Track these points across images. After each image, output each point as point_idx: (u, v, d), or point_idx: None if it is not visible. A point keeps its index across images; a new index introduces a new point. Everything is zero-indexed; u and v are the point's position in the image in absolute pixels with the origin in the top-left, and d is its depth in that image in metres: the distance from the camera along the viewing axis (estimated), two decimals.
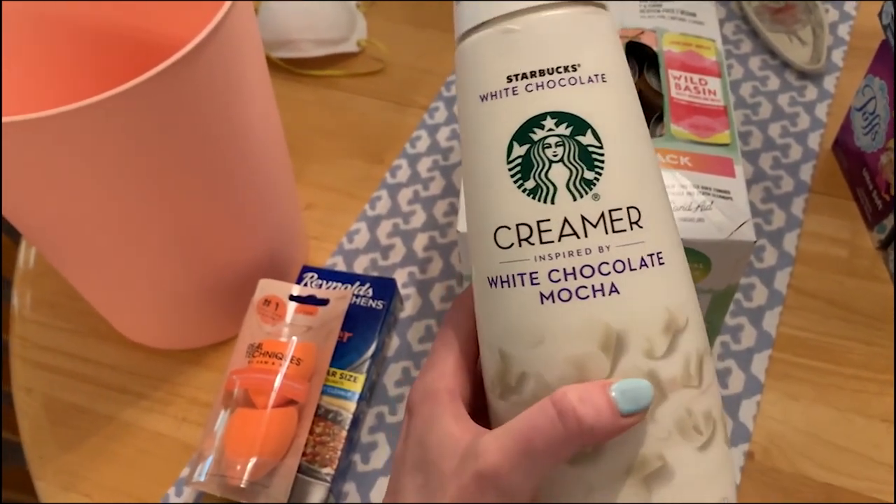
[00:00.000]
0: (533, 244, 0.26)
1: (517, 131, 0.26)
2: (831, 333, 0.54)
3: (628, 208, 0.26)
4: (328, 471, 0.46)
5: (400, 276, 0.59)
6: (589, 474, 0.26)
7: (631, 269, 0.26)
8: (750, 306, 0.55)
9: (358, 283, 0.54)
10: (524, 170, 0.26)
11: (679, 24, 0.50)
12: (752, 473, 0.48)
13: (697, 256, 0.42)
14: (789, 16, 0.72)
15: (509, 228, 0.26)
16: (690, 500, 0.26)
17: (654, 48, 0.49)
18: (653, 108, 0.49)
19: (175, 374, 0.55)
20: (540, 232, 0.26)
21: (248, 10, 0.45)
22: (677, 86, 0.47)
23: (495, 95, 0.26)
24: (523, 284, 0.26)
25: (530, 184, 0.26)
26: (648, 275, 0.26)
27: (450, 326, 0.30)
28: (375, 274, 0.59)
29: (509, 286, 0.26)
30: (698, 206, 0.42)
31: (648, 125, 0.49)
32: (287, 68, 0.74)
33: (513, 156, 0.26)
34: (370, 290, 0.54)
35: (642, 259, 0.26)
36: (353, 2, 0.77)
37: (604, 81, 0.26)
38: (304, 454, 0.47)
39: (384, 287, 0.54)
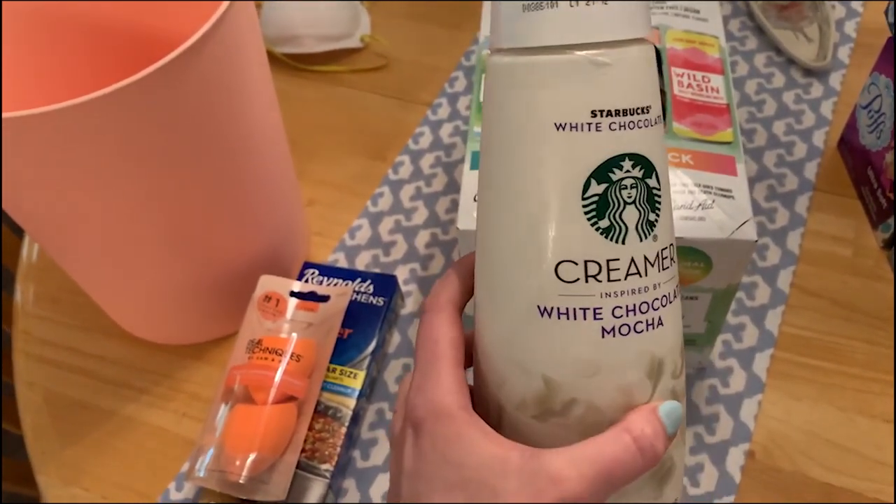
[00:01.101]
0: (600, 281, 0.26)
1: (597, 168, 0.26)
2: (834, 333, 0.53)
3: (670, 246, 0.28)
4: (327, 467, 0.46)
5: (401, 273, 0.59)
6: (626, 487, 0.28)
7: (670, 302, 0.28)
8: (752, 305, 0.55)
9: (359, 280, 0.54)
10: (600, 208, 0.26)
11: (683, 20, 0.50)
12: (753, 473, 0.48)
13: (698, 255, 0.42)
14: (795, 12, 0.72)
15: (576, 264, 0.26)
16: (678, 491, 0.30)
17: (658, 45, 0.49)
18: None
19: (176, 369, 0.56)
20: (609, 270, 0.26)
21: (249, 6, 0.45)
22: (680, 83, 0.47)
23: (576, 127, 0.26)
24: (585, 318, 0.27)
25: (604, 223, 0.26)
26: (677, 304, 0.28)
27: (432, 333, 0.30)
28: (377, 270, 0.59)
29: (568, 318, 0.27)
30: (700, 204, 0.41)
31: None
32: (290, 64, 0.73)
33: (589, 192, 0.26)
34: (371, 287, 0.54)
35: (674, 291, 0.28)
36: None
37: (658, 123, 0.27)
38: (303, 450, 0.47)
39: (385, 284, 0.54)
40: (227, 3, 0.40)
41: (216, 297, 0.53)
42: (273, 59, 0.74)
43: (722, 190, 0.42)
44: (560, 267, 0.26)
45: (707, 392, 0.51)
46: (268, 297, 0.51)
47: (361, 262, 0.59)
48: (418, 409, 0.28)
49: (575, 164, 0.26)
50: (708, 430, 0.50)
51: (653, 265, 0.27)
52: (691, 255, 0.42)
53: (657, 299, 0.27)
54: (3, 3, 0.49)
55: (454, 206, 0.62)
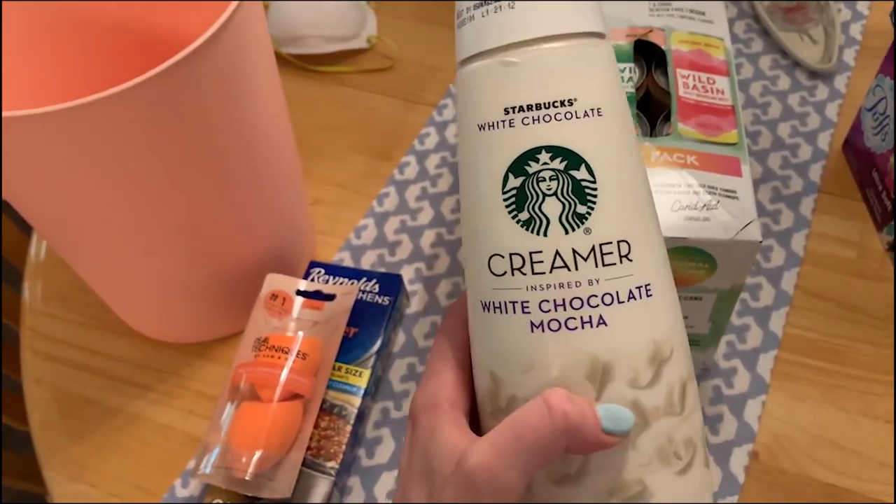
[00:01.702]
0: (525, 274, 0.26)
1: (512, 163, 0.27)
2: (838, 334, 0.54)
3: (619, 242, 0.26)
4: (332, 465, 0.47)
5: (406, 273, 0.59)
6: (572, 495, 0.27)
7: (619, 302, 0.26)
8: (756, 306, 0.55)
9: (364, 279, 0.54)
10: (518, 201, 0.27)
11: (688, 22, 0.50)
12: (757, 473, 0.48)
13: (703, 256, 0.42)
14: (801, 15, 0.72)
15: (503, 257, 0.27)
16: None
17: (663, 47, 0.49)
18: (660, 107, 0.49)
19: (182, 366, 0.56)
20: (532, 263, 0.26)
21: (257, 6, 0.45)
22: (685, 84, 0.47)
23: (492, 126, 0.27)
24: (514, 312, 0.27)
25: (524, 215, 0.27)
26: (636, 307, 0.27)
27: (446, 336, 0.30)
28: (382, 270, 0.59)
29: (501, 312, 0.27)
30: (704, 205, 0.42)
31: (656, 124, 0.49)
32: (297, 64, 0.74)
33: (508, 187, 0.27)
34: (377, 286, 0.54)
35: (630, 292, 0.26)
36: None
37: (599, 115, 0.27)
38: (308, 448, 0.47)
39: (390, 283, 0.54)
40: (236, 2, 0.41)
41: (222, 295, 0.53)
42: (279, 59, 0.74)
43: (726, 191, 0.42)
44: (491, 261, 0.27)
45: (711, 392, 0.51)
46: (274, 296, 0.52)
47: (367, 262, 0.60)
48: (415, 402, 0.29)
49: (494, 160, 0.27)
50: (711, 431, 0.50)
51: (585, 259, 0.26)
52: (696, 255, 0.42)
53: (594, 296, 0.26)
54: (16, 2, 0.49)
55: (459, 206, 0.62)
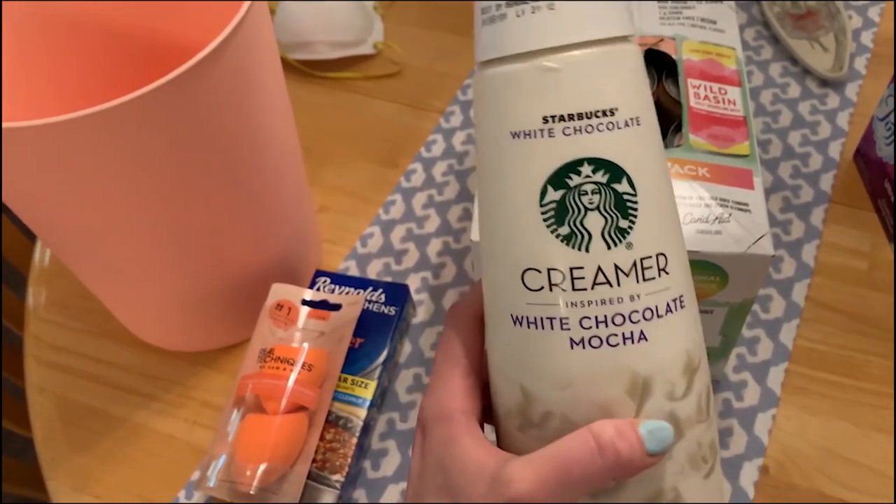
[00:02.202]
0: (565, 290, 0.26)
1: (552, 175, 0.25)
2: (849, 347, 0.53)
3: (657, 255, 0.26)
4: (338, 478, 0.46)
5: (413, 282, 0.58)
6: None
7: (658, 317, 0.26)
8: (767, 318, 0.54)
9: (371, 289, 0.54)
10: (558, 215, 0.26)
11: (699, 31, 0.50)
12: (766, 488, 0.47)
13: (714, 269, 0.41)
14: (811, 22, 0.71)
15: (539, 272, 0.26)
16: None
17: (674, 56, 0.48)
18: (671, 118, 0.48)
19: (187, 376, 0.55)
20: (573, 279, 0.26)
21: (264, 12, 0.44)
22: (696, 95, 0.46)
23: (529, 135, 0.26)
24: (552, 328, 0.26)
25: (564, 230, 0.26)
26: (672, 320, 0.26)
27: (452, 340, 0.30)
28: (389, 279, 0.59)
29: (537, 328, 0.26)
30: (716, 218, 0.41)
31: (666, 135, 0.48)
32: (303, 70, 0.73)
33: (546, 199, 0.26)
34: (383, 296, 0.53)
35: (668, 305, 0.26)
36: (370, 3, 0.77)
37: (638, 125, 0.26)
38: (314, 460, 0.46)
39: (397, 293, 0.54)
40: (245, 6, 0.40)
41: (228, 304, 0.53)
42: (286, 65, 0.74)
43: (738, 203, 0.42)
44: (525, 275, 0.26)
45: (721, 406, 0.51)
46: (280, 306, 0.51)
47: (373, 271, 0.59)
48: (425, 410, 0.29)
49: (531, 171, 0.26)
50: (721, 444, 0.49)
51: (627, 275, 0.25)
52: (707, 269, 0.41)
53: (636, 311, 0.26)
54: (18, 4, 0.49)
55: (466, 214, 0.62)
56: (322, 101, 0.71)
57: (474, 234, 0.41)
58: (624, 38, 0.26)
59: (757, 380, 0.52)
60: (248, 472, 0.44)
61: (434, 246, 0.60)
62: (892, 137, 0.56)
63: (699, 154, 0.44)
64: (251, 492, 0.44)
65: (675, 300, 0.26)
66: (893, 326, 0.53)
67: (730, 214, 0.41)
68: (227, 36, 0.39)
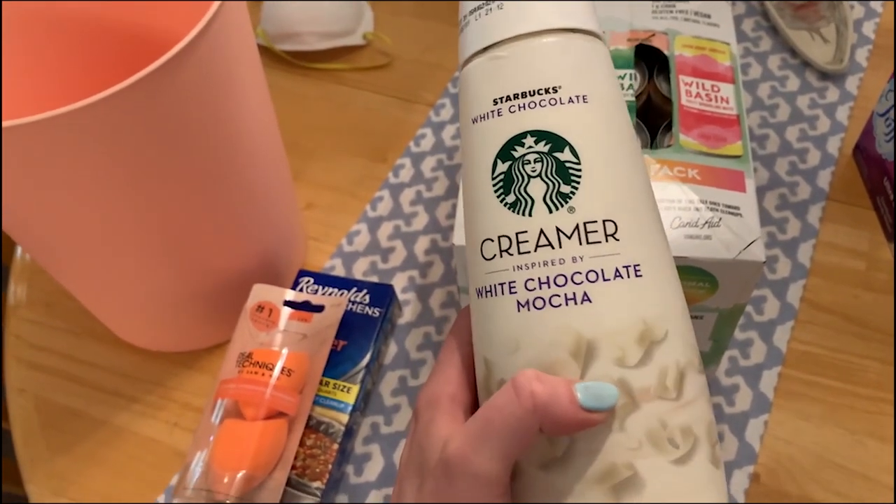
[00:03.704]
0: (512, 255, 0.27)
1: (500, 149, 0.28)
2: (845, 350, 0.52)
3: (604, 221, 0.27)
4: (318, 485, 0.45)
5: (399, 281, 0.57)
6: (560, 480, 0.26)
7: (604, 280, 0.26)
8: (760, 320, 0.53)
9: (355, 290, 0.53)
10: (506, 185, 0.27)
11: (693, 26, 0.48)
12: (758, 496, 0.46)
13: (703, 275, 0.40)
14: (812, 12, 0.69)
15: (493, 240, 0.27)
16: None
17: (665, 52, 0.47)
18: (662, 116, 0.47)
19: (169, 377, 0.54)
20: (518, 243, 0.27)
21: (241, 7, 0.43)
22: (688, 92, 0.45)
23: (483, 117, 0.28)
24: (503, 293, 0.27)
25: (511, 198, 0.27)
26: (622, 286, 0.26)
27: (455, 333, 0.30)
28: (375, 278, 0.57)
29: (492, 295, 0.27)
30: (706, 222, 0.40)
31: (657, 134, 0.47)
32: (291, 61, 0.72)
33: (496, 172, 0.28)
34: (367, 297, 0.52)
35: (616, 270, 0.26)
36: None
37: (585, 102, 0.27)
38: (293, 467, 0.45)
39: (381, 294, 0.52)
40: (214, 7, 0.39)
41: (209, 304, 0.52)
42: (273, 56, 0.72)
43: (729, 207, 0.40)
44: (483, 245, 0.28)
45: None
46: (260, 307, 0.50)
47: (359, 269, 0.58)
48: (420, 398, 0.29)
49: (485, 149, 0.28)
50: None
51: (569, 237, 0.26)
52: (696, 274, 0.40)
53: (578, 273, 0.26)
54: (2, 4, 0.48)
55: (455, 211, 0.61)
56: (310, 94, 0.70)
57: (457, 238, 0.40)
58: (579, 31, 0.28)
59: (749, 384, 0.50)
60: (226, 480, 0.43)
61: (422, 244, 0.59)
62: (892, 134, 0.54)
63: (689, 155, 0.42)
64: (228, 501, 0.43)
65: (626, 267, 0.26)
66: (894, 329, 0.52)
67: (720, 219, 0.40)
68: (198, 33, 0.38)
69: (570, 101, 0.27)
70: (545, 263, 0.26)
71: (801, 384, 0.50)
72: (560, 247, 0.26)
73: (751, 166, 0.42)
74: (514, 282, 0.27)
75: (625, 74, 0.46)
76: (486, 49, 0.28)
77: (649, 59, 0.49)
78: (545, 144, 0.27)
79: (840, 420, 0.49)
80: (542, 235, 0.26)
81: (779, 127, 0.63)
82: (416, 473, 0.27)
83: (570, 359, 0.26)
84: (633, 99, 0.45)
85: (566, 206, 0.26)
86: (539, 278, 0.26)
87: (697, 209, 0.40)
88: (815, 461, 0.47)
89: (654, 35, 0.47)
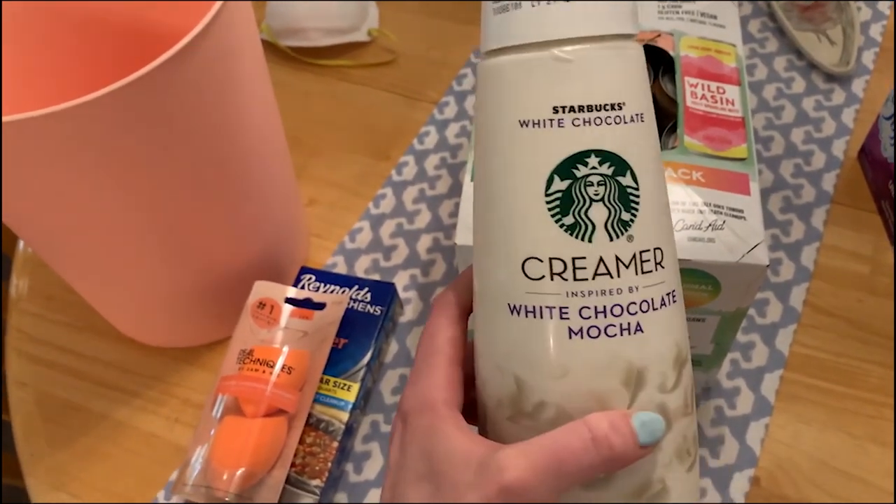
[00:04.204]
0: (566, 280, 0.26)
1: (560, 165, 0.26)
2: (848, 355, 0.51)
3: (654, 249, 0.26)
4: (317, 483, 0.45)
5: (401, 279, 0.57)
6: (599, 497, 0.27)
7: (654, 309, 0.26)
8: (763, 323, 0.53)
9: (356, 287, 0.52)
10: (563, 205, 0.26)
11: (699, 27, 0.48)
12: (757, 500, 0.46)
13: (706, 278, 0.40)
14: (819, 13, 0.69)
15: (541, 261, 0.26)
16: None
17: (671, 52, 0.46)
18: (667, 117, 0.46)
19: (170, 372, 0.54)
20: (574, 269, 0.26)
21: (244, 4, 0.43)
22: (693, 94, 0.44)
23: (538, 124, 0.26)
24: (552, 318, 0.26)
25: (569, 220, 0.26)
26: (666, 313, 0.27)
27: (436, 330, 0.30)
28: (376, 276, 0.57)
29: (535, 317, 0.26)
30: (709, 225, 0.40)
31: (661, 135, 0.46)
32: (296, 57, 0.72)
33: (552, 189, 0.26)
34: (368, 295, 0.52)
35: (663, 298, 0.26)
36: None
37: (642, 122, 0.26)
38: (293, 465, 0.45)
39: (383, 292, 0.52)
40: (218, 5, 0.39)
41: (211, 300, 0.52)
42: (278, 52, 0.72)
43: (733, 210, 0.40)
44: (526, 264, 0.26)
45: (712, 413, 0.49)
46: (262, 304, 0.50)
47: (361, 267, 0.58)
48: (407, 401, 0.29)
49: (538, 160, 0.26)
50: (712, 454, 0.48)
51: (627, 267, 0.26)
52: (699, 277, 0.40)
53: (634, 303, 0.26)
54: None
55: (458, 209, 0.61)
56: (314, 90, 0.70)
57: (459, 238, 0.40)
58: (630, 37, 0.26)
59: (751, 387, 0.50)
60: (225, 477, 0.43)
61: (424, 242, 0.59)
62: None
63: (694, 157, 0.42)
64: (227, 498, 0.43)
65: (668, 294, 0.27)
66: (894, 334, 0.52)
67: (724, 221, 0.40)
68: (201, 30, 0.38)
69: (632, 119, 0.26)
70: (602, 293, 0.26)
71: (802, 388, 0.50)
72: (619, 276, 0.26)
73: (755, 169, 0.42)
74: (567, 308, 0.26)
75: None
76: (542, 44, 0.25)
77: (655, 60, 0.49)
78: (609, 167, 0.26)
79: (841, 424, 0.49)
80: (602, 264, 0.26)
81: (784, 129, 0.63)
82: (425, 482, 0.27)
83: (621, 388, 0.26)
84: None
85: (626, 235, 0.26)
86: (595, 307, 0.26)
87: (701, 212, 0.40)
88: (816, 465, 0.47)
89: (659, 35, 0.47)
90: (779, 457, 0.48)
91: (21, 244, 0.63)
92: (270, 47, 0.73)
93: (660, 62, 0.48)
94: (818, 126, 0.63)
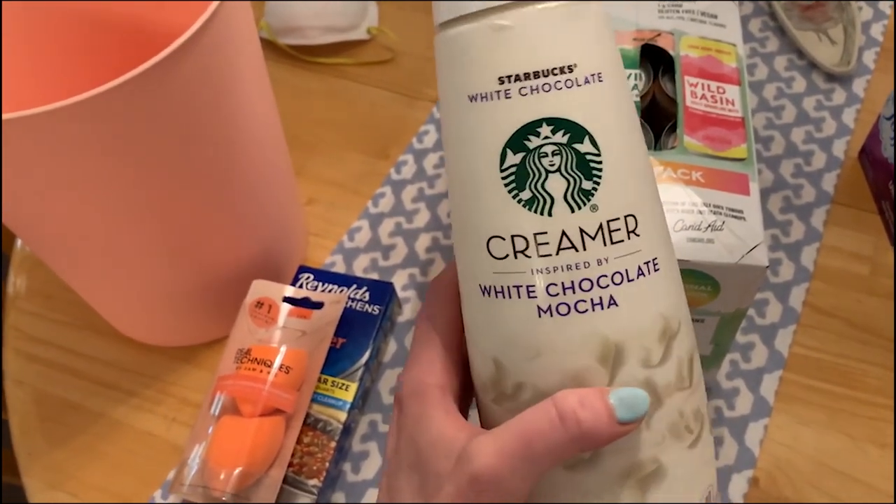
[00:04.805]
0: (530, 257, 0.25)
1: (511, 138, 0.24)
2: (847, 355, 0.51)
3: (626, 217, 0.25)
4: (315, 483, 0.45)
5: (400, 278, 0.57)
6: (586, 479, 0.26)
7: (629, 280, 0.25)
8: (762, 323, 0.53)
9: (354, 287, 0.52)
10: (519, 179, 0.25)
11: (699, 26, 0.48)
12: (756, 501, 0.46)
13: (705, 279, 0.40)
14: (820, 13, 0.69)
15: (503, 239, 0.25)
16: (680, 496, 0.26)
17: (671, 52, 0.46)
18: (667, 117, 0.46)
19: (167, 371, 0.54)
20: (537, 245, 0.25)
21: (243, 1, 0.43)
22: (693, 94, 0.44)
23: (486, 97, 0.25)
24: (520, 297, 0.25)
25: (526, 194, 0.24)
26: (645, 283, 0.25)
27: (431, 315, 0.29)
28: (375, 275, 0.57)
29: (504, 297, 0.25)
30: (709, 225, 0.39)
31: (661, 135, 0.46)
32: (295, 55, 0.72)
33: (506, 164, 0.25)
34: (367, 294, 0.52)
35: (639, 268, 0.25)
36: None
37: (600, 81, 0.25)
38: (290, 465, 0.45)
39: (381, 291, 0.52)
40: (216, 3, 0.38)
41: (209, 299, 0.52)
42: (276, 50, 0.72)
43: (733, 211, 0.40)
44: (490, 243, 0.25)
45: (711, 414, 0.49)
46: (259, 303, 0.50)
47: (359, 266, 0.58)
48: (402, 386, 0.28)
49: (489, 134, 0.25)
50: None
51: (593, 238, 0.24)
52: (698, 278, 0.40)
53: (604, 276, 0.24)
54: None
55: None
56: (313, 88, 0.70)
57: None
58: None
59: (750, 387, 0.50)
60: (222, 477, 0.43)
61: (423, 241, 0.59)
62: None
63: (694, 157, 0.42)
64: (224, 498, 0.43)
65: (647, 263, 0.25)
66: (894, 335, 0.52)
67: (723, 222, 0.39)
68: (199, 27, 0.38)
69: (587, 81, 0.24)
70: (568, 267, 0.24)
71: (802, 389, 0.50)
72: (584, 249, 0.24)
73: (755, 169, 0.42)
74: (534, 286, 0.25)
75: (630, 75, 0.45)
76: (481, 13, 0.24)
77: (654, 60, 0.48)
78: (563, 135, 0.24)
79: (841, 426, 0.49)
80: (565, 237, 0.24)
81: (784, 129, 0.62)
82: (413, 471, 0.26)
83: (598, 365, 0.25)
84: (638, 100, 0.45)
85: (589, 205, 0.24)
86: (563, 283, 0.24)
87: (701, 212, 0.40)
88: (815, 467, 0.47)
89: (659, 35, 0.47)
90: (778, 458, 0.48)
91: (19, 242, 0.63)
92: (269, 45, 0.72)
93: (660, 62, 0.48)
94: (818, 126, 0.62)
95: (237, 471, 0.43)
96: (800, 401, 0.50)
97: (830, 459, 0.47)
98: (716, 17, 0.48)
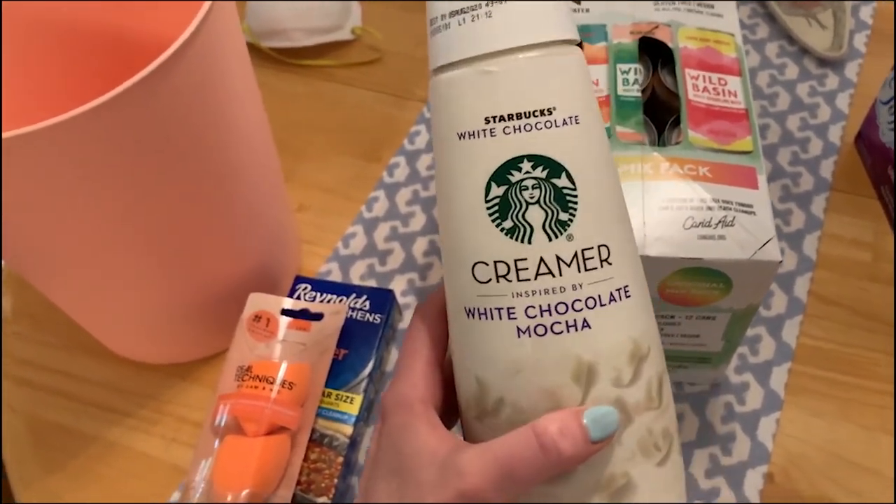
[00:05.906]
0: (510, 281, 0.27)
1: (495, 172, 0.27)
2: (855, 344, 0.51)
3: (599, 247, 0.27)
4: (324, 500, 0.44)
5: (399, 284, 0.56)
6: (562, 492, 0.28)
7: (601, 305, 0.27)
8: (768, 315, 0.52)
9: (354, 295, 0.51)
10: (502, 210, 0.27)
11: (696, 17, 0.47)
12: (772, 496, 0.45)
13: (718, 276, 0.39)
14: None
15: (487, 264, 0.27)
16: None
17: (669, 44, 0.45)
18: (669, 111, 0.45)
19: (163, 390, 0.53)
20: (517, 270, 0.27)
21: (230, 8, 0.41)
22: (695, 87, 0.43)
23: (473, 135, 0.27)
24: (501, 318, 0.27)
25: (508, 224, 0.27)
26: (616, 308, 0.27)
27: (418, 332, 0.31)
28: (373, 281, 0.56)
29: (487, 318, 0.28)
30: (719, 221, 0.39)
31: (664, 130, 0.45)
32: (278, 58, 0.70)
33: (491, 195, 0.27)
34: (367, 303, 0.51)
35: (611, 294, 0.27)
36: None
37: (577, 123, 0.27)
38: (298, 483, 0.44)
39: (382, 299, 0.51)
40: (207, 6, 0.37)
41: (202, 313, 0.50)
42: (260, 53, 0.70)
43: (742, 205, 0.39)
44: (475, 268, 0.28)
45: (722, 410, 0.49)
46: (257, 317, 0.48)
47: (356, 273, 0.56)
48: (386, 399, 0.30)
49: (476, 169, 0.27)
50: (724, 451, 0.47)
51: (569, 265, 0.27)
52: (710, 276, 0.39)
53: (578, 300, 0.27)
54: None
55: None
56: (298, 92, 0.68)
57: None
58: (563, 42, 0.27)
59: (760, 381, 0.49)
60: (229, 499, 0.42)
61: (420, 245, 0.58)
62: None
63: (699, 152, 0.41)
64: None
65: (619, 290, 0.27)
66: (894, 321, 0.51)
67: (733, 217, 0.39)
68: (187, 38, 0.36)
69: (565, 122, 0.27)
70: (546, 292, 0.27)
71: (811, 380, 0.50)
72: (560, 275, 0.27)
73: (762, 162, 0.41)
74: (514, 308, 0.27)
75: (629, 69, 0.45)
76: (470, 60, 0.27)
77: (653, 53, 0.47)
78: (542, 170, 0.27)
79: (852, 416, 0.48)
80: (543, 264, 0.27)
81: (779, 116, 0.62)
82: (392, 477, 0.28)
83: (572, 383, 0.27)
84: (639, 94, 0.44)
85: (565, 234, 0.27)
86: (540, 306, 0.27)
87: (710, 208, 0.39)
88: (829, 459, 0.47)
89: (657, 27, 0.46)
90: (791, 451, 0.47)
91: (3, 262, 0.61)
92: (252, 49, 0.71)
93: (658, 54, 0.47)
94: (813, 112, 0.62)
95: (244, 492, 0.42)
96: (810, 392, 0.49)
97: (843, 450, 0.47)
98: (712, 6, 0.48)
